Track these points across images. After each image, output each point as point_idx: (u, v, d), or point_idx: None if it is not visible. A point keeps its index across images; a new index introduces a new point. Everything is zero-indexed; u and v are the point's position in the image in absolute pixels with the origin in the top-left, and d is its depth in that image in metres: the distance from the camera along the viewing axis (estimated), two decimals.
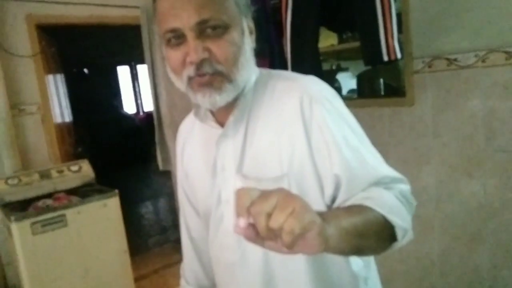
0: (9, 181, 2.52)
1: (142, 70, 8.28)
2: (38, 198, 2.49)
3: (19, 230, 2.21)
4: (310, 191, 0.77)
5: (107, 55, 7.01)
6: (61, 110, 3.37)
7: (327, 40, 2.20)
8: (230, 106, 0.80)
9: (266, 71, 0.87)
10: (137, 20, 2.50)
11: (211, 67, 0.73)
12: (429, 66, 1.89)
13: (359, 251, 0.69)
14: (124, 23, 3.11)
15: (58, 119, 3.20)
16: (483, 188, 1.82)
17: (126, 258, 2.57)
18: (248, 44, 0.78)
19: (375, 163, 0.78)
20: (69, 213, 2.36)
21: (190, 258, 1.05)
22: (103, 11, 3.04)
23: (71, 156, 3.35)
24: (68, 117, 3.63)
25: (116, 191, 2.54)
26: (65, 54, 3.87)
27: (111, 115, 7.72)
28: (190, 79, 0.75)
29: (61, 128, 3.29)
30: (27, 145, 2.88)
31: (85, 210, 2.42)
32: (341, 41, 2.23)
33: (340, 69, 2.52)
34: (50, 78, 3.15)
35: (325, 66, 2.49)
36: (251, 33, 0.81)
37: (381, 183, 0.77)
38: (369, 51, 1.51)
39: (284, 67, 1.79)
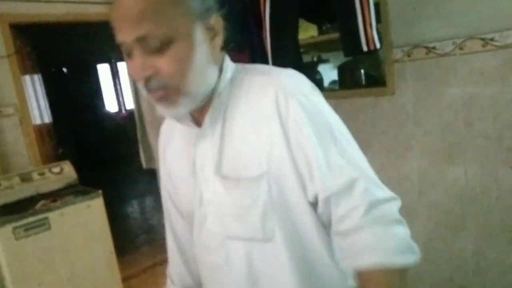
0: None
1: (123, 67, 8.15)
2: (20, 201, 2.44)
3: (1, 236, 2.16)
4: (290, 189, 0.75)
5: (86, 53, 6.86)
6: (40, 111, 3.29)
7: (307, 31, 2.19)
8: (206, 106, 0.79)
9: (242, 66, 0.84)
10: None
11: (159, 82, 0.71)
12: (409, 55, 1.90)
13: None
14: (103, 20, 3.05)
15: (37, 121, 3.13)
16: (465, 174, 1.85)
17: (112, 258, 2.54)
18: (203, 51, 0.73)
19: (353, 166, 0.76)
20: (52, 216, 2.31)
21: (175, 259, 1.03)
22: (81, 8, 2.97)
23: (52, 158, 3.28)
24: (47, 118, 3.55)
25: (100, 191, 2.50)
26: (42, 53, 3.78)
27: (93, 114, 7.59)
28: (147, 91, 0.73)
29: (41, 130, 3.22)
30: (6, 148, 2.81)
31: (69, 212, 2.37)
32: (321, 32, 2.23)
33: (321, 60, 2.53)
34: (27, 78, 3.07)
35: (306, 58, 2.50)
36: (215, 33, 0.76)
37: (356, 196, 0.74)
38: (348, 42, 1.51)
39: (264, 60, 1.78)
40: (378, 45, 1.48)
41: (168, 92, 0.72)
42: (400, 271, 0.70)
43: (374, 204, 0.73)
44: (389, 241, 0.72)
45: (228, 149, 0.78)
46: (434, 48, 1.81)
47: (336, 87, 2.45)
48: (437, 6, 1.78)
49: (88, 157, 6.19)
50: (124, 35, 0.69)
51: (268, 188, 0.74)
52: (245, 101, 0.78)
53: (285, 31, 1.64)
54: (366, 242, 0.71)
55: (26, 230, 2.23)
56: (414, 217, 2.06)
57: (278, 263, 0.78)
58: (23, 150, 2.88)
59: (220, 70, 0.79)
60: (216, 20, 0.76)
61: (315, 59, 2.53)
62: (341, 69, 2.36)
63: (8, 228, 2.18)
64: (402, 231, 0.74)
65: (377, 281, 0.69)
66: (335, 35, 2.21)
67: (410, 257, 0.71)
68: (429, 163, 1.95)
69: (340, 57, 2.41)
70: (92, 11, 3.03)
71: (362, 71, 2.26)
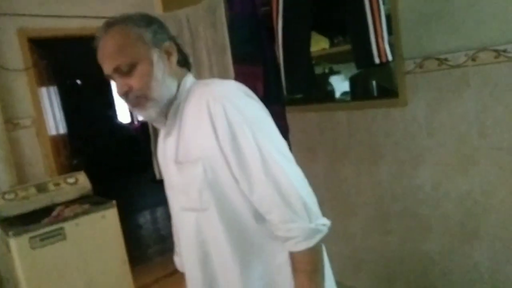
0: (6, 196, 2.51)
1: None
2: (36, 211, 2.48)
3: (18, 245, 2.20)
4: (221, 172, 0.98)
5: (100, 66, 6.97)
6: (55, 122, 3.36)
7: (319, 44, 2.22)
8: (168, 115, 1.06)
9: (199, 80, 1.09)
10: None
11: (133, 95, 1.01)
12: (420, 67, 1.91)
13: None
14: None
15: (52, 132, 3.19)
16: (479, 185, 1.83)
17: (126, 268, 2.56)
18: (160, 67, 1.01)
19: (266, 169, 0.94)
20: (68, 226, 2.35)
21: (175, 239, 1.31)
22: (96, 22, 3.05)
23: (67, 168, 3.33)
24: (62, 129, 3.62)
25: (114, 202, 2.53)
26: (57, 66, 3.86)
27: (106, 125, 7.68)
28: (127, 104, 1.03)
29: (56, 141, 3.28)
30: (23, 159, 2.87)
31: (83, 222, 2.41)
32: (332, 44, 2.25)
33: (332, 72, 2.54)
34: (43, 90, 3.15)
35: (318, 70, 2.52)
36: (168, 55, 1.04)
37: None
38: (361, 54, 1.52)
39: (277, 72, 1.80)
40: (390, 57, 1.49)
41: (140, 100, 1.01)
42: (313, 247, 0.94)
43: (287, 221, 0.95)
44: (301, 234, 0.95)
45: (181, 141, 1.03)
46: (446, 59, 1.82)
47: (348, 98, 2.46)
48: (448, 18, 1.79)
49: (102, 168, 6.25)
50: (106, 69, 1.02)
51: (203, 170, 0.98)
52: (192, 106, 1.01)
53: (298, 44, 1.66)
54: (288, 239, 0.96)
55: (42, 239, 2.26)
56: (428, 229, 2.05)
57: (215, 228, 1.01)
58: (39, 161, 2.93)
59: (180, 83, 1.06)
60: (169, 45, 1.04)
61: (326, 70, 2.54)
62: (352, 81, 2.37)
63: (25, 237, 2.21)
64: (304, 225, 0.94)
65: (299, 257, 0.97)
66: (346, 47, 2.23)
67: (316, 238, 0.95)
68: (443, 175, 1.94)
69: (351, 69, 2.43)
70: None
71: (374, 82, 2.27)
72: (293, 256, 0.98)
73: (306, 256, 0.95)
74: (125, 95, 1.01)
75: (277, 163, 0.94)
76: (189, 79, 1.08)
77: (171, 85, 1.04)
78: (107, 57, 1.00)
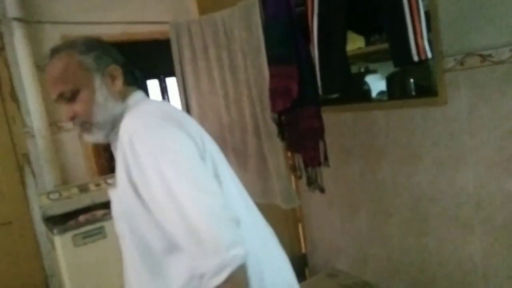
0: (51, 196, 2.63)
1: (171, 83, 8.41)
2: (78, 211, 2.58)
3: (61, 243, 2.30)
4: (132, 204, 0.98)
5: (137, 69, 7.17)
6: None
7: (355, 43, 2.19)
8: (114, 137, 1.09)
9: (138, 103, 1.11)
10: (166, 35, 2.58)
11: (78, 120, 1.06)
12: (461, 64, 1.85)
13: None
14: (153, 38, 3.20)
15: None
16: None
17: None
18: (102, 93, 1.06)
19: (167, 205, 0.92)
20: (108, 225, 2.43)
21: None
22: (134, 28, 3.14)
23: (106, 169, 3.44)
24: None
25: None
26: None
27: None
28: (75, 127, 1.09)
29: (97, 143, 3.40)
30: (66, 161, 2.99)
31: None
32: (368, 43, 2.21)
33: (368, 71, 2.50)
34: None
35: (353, 69, 2.48)
36: (111, 77, 1.08)
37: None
38: (398, 52, 1.49)
39: (312, 72, 1.79)
40: (429, 55, 1.44)
41: (85, 124, 1.06)
42: (227, 280, 0.87)
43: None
44: (209, 271, 0.88)
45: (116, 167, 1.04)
46: (489, 55, 1.75)
47: (385, 97, 2.41)
48: (491, 12, 1.72)
49: None
50: (52, 95, 1.06)
51: (118, 200, 1.03)
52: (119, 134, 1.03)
53: (333, 43, 1.65)
54: (201, 277, 0.90)
55: (84, 237, 2.35)
56: (470, 232, 1.97)
57: (132, 255, 1.04)
58: (81, 162, 3.05)
59: (122, 106, 1.09)
60: (114, 69, 1.09)
61: (362, 70, 2.51)
62: (389, 80, 2.32)
63: (69, 235, 2.31)
64: (210, 261, 0.88)
65: None
66: (382, 46, 2.19)
67: (225, 272, 0.87)
68: (486, 175, 1.87)
69: (388, 68, 2.38)
70: (145, 31, 3.19)
71: (412, 81, 2.21)
72: None
73: None
74: (71, 119, 1.06)
75: (184, 195, 0.90)
76: (130, 102, 1.11)
77: (115, 108, 1.07)
78: (52, 83, 1.05)
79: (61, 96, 1.04)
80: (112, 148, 1.14)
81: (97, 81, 1.06)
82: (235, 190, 1.12)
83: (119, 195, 1.01)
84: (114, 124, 1.08)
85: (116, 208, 1.05)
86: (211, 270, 0.87)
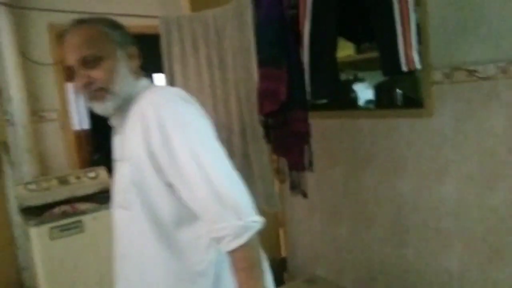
0: (29, 186, 2.57)
1: (158, 79, 8.34)
2: (56, 203, 2.52)
3: (38, 235, 2.25)
4: (146, 174, 1.03)
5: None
6: (79, 117, 3.43)
7: (344, 50, 2.20)
8: (119, 113, 1.12)
9: (152, 85, 1.16)
10: (155, 30, 2.53)
11: (94, 86, 1.06)
12: (448, 77, 1.87)
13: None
14: (142, 33, 3.16)
15: (76, 126, 3.26)
16: (505, 202, 1.77)
17: None
18: (124, 66, 1.10)
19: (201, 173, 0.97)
20: (86, 219, 2.39)
21: None
22: (122, 20, 3.08)
23: (88, 163, 3.39)
24: (86, 124, 3.68)
25: None
26: None
27: None
28: (85, 96, 1.09)
29: (79, 135, 3.35)
30: (46, 151, 2.93)
31: (101, 216, 2.44)
32: (358, 51, 2.22)
33: (356, 79, 2.51)
34: (69, 85, 3.21)
35: (342, 76, 2.49)
36: (131, 58, 1.13)
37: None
38: (388, 61, 1.50)
39: (301, 76, 1.79)
40: (418, 66, 1.46)
41: (100, 92, 1.07)
42: (246, 243, 0.96)
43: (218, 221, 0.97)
44: (231, 233, 0.96)
45: (123, 141, 1.10)
46: (475, 71, 1.77)
47: (372, 106, 2.43)
48: (479, 28, 1.75)
49: None
50: (71, 59, 1.06)
51: (130, 170, 1.04)
52: (135, 109, 1.07)
53: (324, 49, 1.65)
54: (220, 240, 0.98)
55: (61, 231, 2.30)
56: (449, 244, 1.99)
57: (140, 227, 1.06)
58: (62, 154, 3.00)
59: (136, 85, 1.13)
60: (133, 49, 1.14)
61: (350, 77, 2.52)
62: (377, 89, 2.34)
63: (45, 227, 2.26)
64: (234, 223, 0.95)
65: (234, 255, 0.99)
66: (372, 54, 2.20)
67: (246, 235, 0.96)
68: (467, 189, 1.89)
69: (376, 77, 2.40)
70: (134, 24, 3.15)
71: (399, 91, 2.23)
72: (230, 256, 1.00)
73: (240, 254, 0.97)
74: (85, 86, 1.06)
75: (209, 163, 0.98)
76: (144, 83, 1.16)
77: (131, 83, 1.12)
78: (75, 47, 1.06)
79: (81, 61, 1.05)
80: (113, 124, 1.18)
81: (120, 56, 1.10)
82: None
83: (130, 165, 1.04)
84: (126, 100, 1.11)
85: (123, 179, 1.07)
86: (232, 233, 0.95)
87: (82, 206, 2.48)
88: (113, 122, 1.18)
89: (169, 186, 1.03)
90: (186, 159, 0.97)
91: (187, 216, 1.05)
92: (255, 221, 0.98)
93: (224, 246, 0.97)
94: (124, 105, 1.11)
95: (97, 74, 1.06)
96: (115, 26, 1.14)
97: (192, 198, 0.99)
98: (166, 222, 1.05)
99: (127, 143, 1.07)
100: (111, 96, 1.08)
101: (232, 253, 0.98)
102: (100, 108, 1.10)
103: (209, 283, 1.08)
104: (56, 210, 2.44)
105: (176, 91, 1.11)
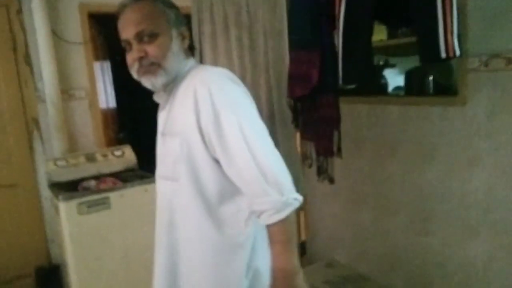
0: (58, 163, 2.63)
1: None
2: (83, 179, 2.58)
3: (66, 209, 2.31)
4: (195, 149, 1.08)
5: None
6: (106, 96, 3.47)
7: (377, 34, 2.15)
8: (166, 89, 1.18)
9: (199, 65, 1.23)
10: (186, 10, 2.53)
11: (147, 61, 1.11)
12: (486, 65, 1.82)
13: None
14: None
15: (103, 105, 3.30)
16: None
17: None
18: (177, 44, 1.15)
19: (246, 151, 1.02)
20: (113, 196, 2.43)
21: None
22: None
23: (113, 141, 3.45)
24: (112, 103, 3.73)
25: None
26: (111, 42, 3.96)
27: (153, 102, 7.83)
28: (138, 70, 1.14)
29: (106, 114, 3.40)
30: (75, 129, 2.99)
31: (128, 194, 2.48)
32: (392, 36, 2.18)
33: (387, 65, 2.47)
34: (97, 65, 3.25)
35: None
36: (183, 38, 1.18)
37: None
38: (426, 47, 1.46)
39: (334, 61, 1.76)
40: (458, 53, 1.41)
41: (153, 67, 1.11)
42: (285, 218, 1.03)
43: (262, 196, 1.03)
44: (273, 207, 1.03)
45: (169, 116, 1.16)
46: None
47: (401, 93, 2.39)
48: None
49: (146, 143, 6.39)
50: (128, 33, 1.11)
51: (179, 144, 1.09)
52: (184, 86, 1.13)
53: (359, 33, 1.62)
54: (262, 213, 1.04)
55: (89, 206, 2.36)
56: (475, 235, 1.97)
57: (184, 198, 1.12)
58: (90, 132, 3.05)
59: (185, 64, 1.17)
60: (185, 30, 1.19)
61: (381, 63, 2.47)
62: (408, 75, 2.29)
63: (73, 203, 2.31)
64: (276, 198, 1.01)
65: (273, 229, 1.06)
66: (405, 40, 2.16)
67: (287, 210, 1.03)
68: (498, 181, 1.85)
69: (407, 63, 2.35)
70: (180, 4, 3.15)
71: (431, 78, 2.19)
72: (268, 229, 1.07)
73: (279, 228, 1.04)
74: (139, 60, 1.11)
75: (255, 141, 1.03)
76: (191, 63, 1.20)
77: (182, 62, 1.17)
78: (133, 22, 1.10)
79: (137, 35, 1.09)
80: (158, 100, 1.24)
81: (174, 35, 1.14)
82: None
83: (180, 139, 1.09)
84: (175, 77, 1.16)
85: (173, 153, 1.12)
86: (273, 207, 1.01)
87: (109, 183, 2.53)
88: (158, 98, 1.23)
89: (216, 161, 1.08)
90: (234, 136, 1.02)
91: (230, 190, 1.10)
92: (296, 198, 1.04)
93: (264, 219, 1.03)
94: (172, 82, 1.16)
95: (152, 49, 1.10)
96: (171, 5, 1.18)
97: (237, 173, 1.04)
98: (211, 195, 1.10)
99: (176, 118, 1.12)
100: (163, 72, 1.12)
101: (271, 226, 1.04)
102: (151, 82, 1.14)
103: (247, 255, 1.13)
104: (84, 185, 2.50)
105: (225, 71, 1.15)
